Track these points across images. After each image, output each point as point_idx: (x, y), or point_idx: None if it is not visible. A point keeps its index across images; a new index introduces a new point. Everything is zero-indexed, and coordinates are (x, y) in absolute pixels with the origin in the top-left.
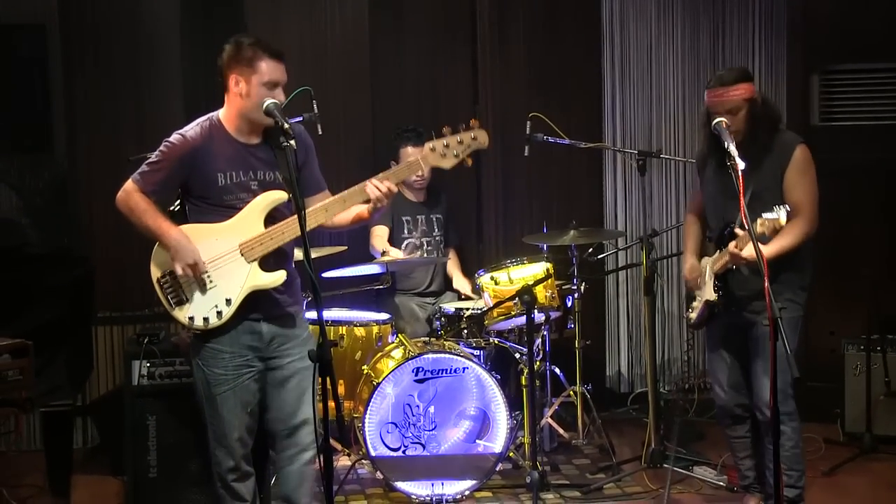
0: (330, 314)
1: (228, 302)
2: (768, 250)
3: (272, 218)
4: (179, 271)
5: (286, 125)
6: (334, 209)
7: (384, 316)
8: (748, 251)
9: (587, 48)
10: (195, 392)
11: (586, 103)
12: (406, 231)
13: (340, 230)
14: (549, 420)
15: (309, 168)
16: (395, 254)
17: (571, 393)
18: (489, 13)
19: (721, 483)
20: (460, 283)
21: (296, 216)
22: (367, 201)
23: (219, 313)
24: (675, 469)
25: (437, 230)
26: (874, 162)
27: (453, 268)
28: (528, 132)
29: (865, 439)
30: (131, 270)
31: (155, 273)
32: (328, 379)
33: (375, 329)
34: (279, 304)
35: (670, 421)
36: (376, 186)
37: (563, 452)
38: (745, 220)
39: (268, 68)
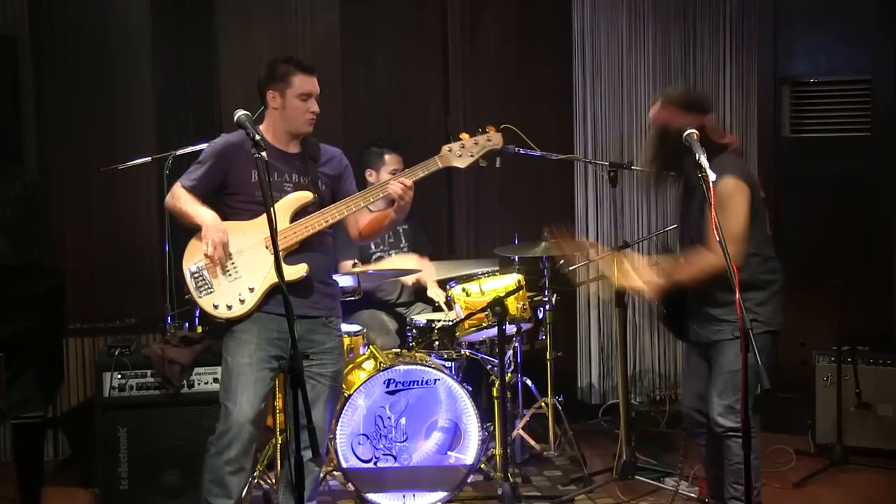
0: None
1: (251, 290)
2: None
3: (300, 217)
4: (208, 248)
5: (257, 137)
6: (356, 203)
7: (355, 327)
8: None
9: (558, 59)
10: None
11: (558, 115)
12: (373, 245)
13: (373, 237)
14: (521, 432)
15: (344, 186)
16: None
17: (543, 404)
18: (461, 24)
19: (692, 495)
20: (434, 291)
21: (319, 213)
22: (391, 202)
23: (241, 301)
24: (646, 481)
25: (404, 241)
26: (844, 173)
27: (428, 277)
28: None
29: (836, 450)
30: (102, 282)
31: (186, 263)
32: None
33: (347, 341)
34: (312, 306)
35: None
36: (396, 183)
37: (535, 464)
38: (714, 230)
39: (300, 82)
